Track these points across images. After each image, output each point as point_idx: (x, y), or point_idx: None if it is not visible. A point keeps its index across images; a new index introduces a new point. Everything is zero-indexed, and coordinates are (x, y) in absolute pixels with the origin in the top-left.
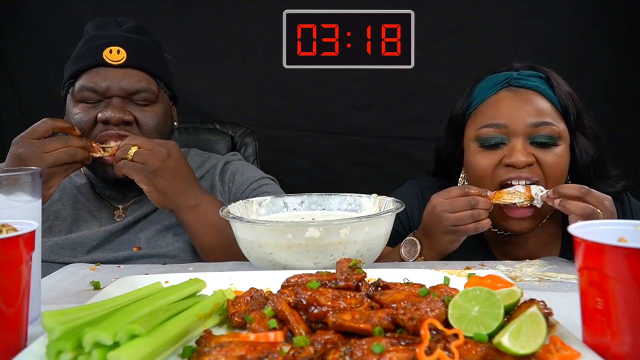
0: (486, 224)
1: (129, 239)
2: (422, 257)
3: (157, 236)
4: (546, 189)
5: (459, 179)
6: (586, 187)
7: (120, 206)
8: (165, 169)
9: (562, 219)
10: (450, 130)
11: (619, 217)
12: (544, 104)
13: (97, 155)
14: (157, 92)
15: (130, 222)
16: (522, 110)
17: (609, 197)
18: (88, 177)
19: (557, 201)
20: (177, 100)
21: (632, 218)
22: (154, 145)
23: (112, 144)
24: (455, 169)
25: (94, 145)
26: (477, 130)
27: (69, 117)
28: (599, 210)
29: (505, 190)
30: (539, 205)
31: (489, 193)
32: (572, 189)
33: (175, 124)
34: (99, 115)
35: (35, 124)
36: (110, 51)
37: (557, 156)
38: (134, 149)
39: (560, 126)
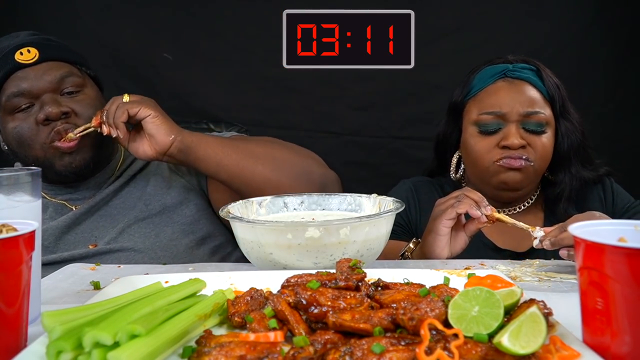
0: (464, 204)
1: (83, 237)
2: (412, 249)
3: (112, 231)
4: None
5: (453, 159)
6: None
7: (74, 207)
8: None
9: (545, 201)
10: (448, 116)
11: (600, 198)
12: (535, 94)
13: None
14: (82, 75)
15: (81, 213)
16: (516, 100)
17: (596, 212)
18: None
19: (563, 253)
20: (102, 90)
21: (613, 198)
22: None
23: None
24: (451, 151)
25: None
26: (478, 116)
27: (7, 136)
28: None
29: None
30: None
31: (488, 206)
32: (570, 239)
33: None
34: (38, 116)
35: None
36: (21, 53)
37: (545, 140)
38: (126, 95)
39: (547, 113)
